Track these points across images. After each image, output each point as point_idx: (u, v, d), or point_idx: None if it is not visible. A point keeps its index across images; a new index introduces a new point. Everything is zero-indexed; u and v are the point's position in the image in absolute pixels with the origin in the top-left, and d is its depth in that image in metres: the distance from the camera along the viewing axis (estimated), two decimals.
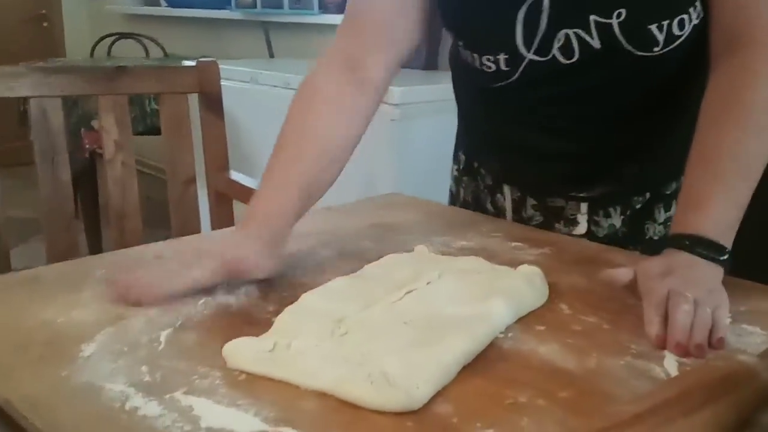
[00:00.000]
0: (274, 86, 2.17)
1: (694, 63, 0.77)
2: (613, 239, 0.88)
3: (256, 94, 2.23)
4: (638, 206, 0.88)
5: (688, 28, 0.74)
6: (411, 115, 1.89)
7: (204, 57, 2.80)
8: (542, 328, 0.61)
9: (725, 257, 0.64)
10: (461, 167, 1.00)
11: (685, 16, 0.73)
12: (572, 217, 0.89)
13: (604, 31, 0.73)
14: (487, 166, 0.95)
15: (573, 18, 0.74)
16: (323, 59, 0.82)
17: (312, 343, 0.54)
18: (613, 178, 0.86)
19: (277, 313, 0.60)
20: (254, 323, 0.61)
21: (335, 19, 2.73)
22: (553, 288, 0.68)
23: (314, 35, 2.89)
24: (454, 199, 1.02)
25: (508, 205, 0.93)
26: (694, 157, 0.70)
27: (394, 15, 0.80)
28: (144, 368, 0.53)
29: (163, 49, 3.39)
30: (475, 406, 0.49)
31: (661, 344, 0.56)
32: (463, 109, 0.97)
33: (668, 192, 0.88)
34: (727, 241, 0.64)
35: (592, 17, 0.73)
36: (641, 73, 0.78)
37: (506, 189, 0.93)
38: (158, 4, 3.73)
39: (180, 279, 0.64)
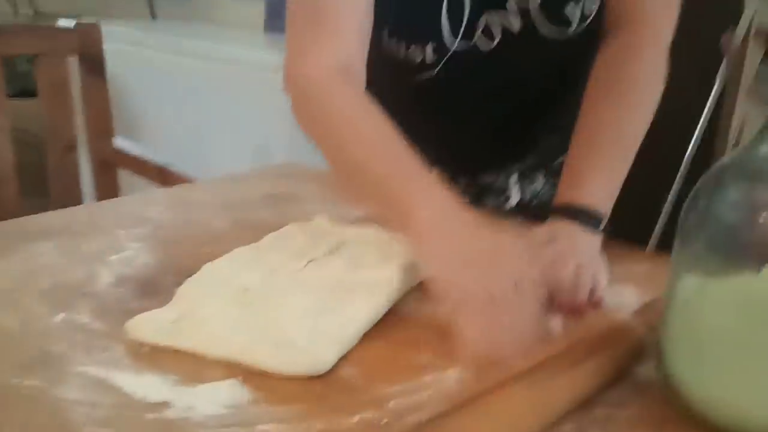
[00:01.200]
0: (160, 50, 2.09)
1: (597, 41, 0.81)
2: (537, 203, 0.93)
3: (139, 58, 2.14)
4: (555, 169, 0.92)
5: (596, 5, 0.76)
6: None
7: (79, 16, 2.65)
8: None
9: (602, 226, 0.69)
10: None
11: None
12: (503, 189, 0.93)
13: (524, 13, 0.75)
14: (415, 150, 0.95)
15: (493, 2, 0.75)
16: (321, 68, 0.70)
17: (216, 311, 0.54)
18: (538, 150, 0.91)
19: (178, 283, 0.60)
20: (154, 294, 0.60)
21: None
22: None
23: None
24: None
25: None
26: (578, 132, 0.74)
27: (363, 14, 0.73)
28: (38, 347, 0.51)
29: (34, 6, 3.16)
30: (379, 368, 0.51)
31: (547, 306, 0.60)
32: (383, 101, 0.95)
33: None
34: (605, 210, 0.69)
35: (510, 3, 0.75)
36: (558, 53, 0.80)
37: (437, 171, 0.94)
38: None
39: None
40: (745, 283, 0.43)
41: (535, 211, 0.92)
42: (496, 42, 0.78)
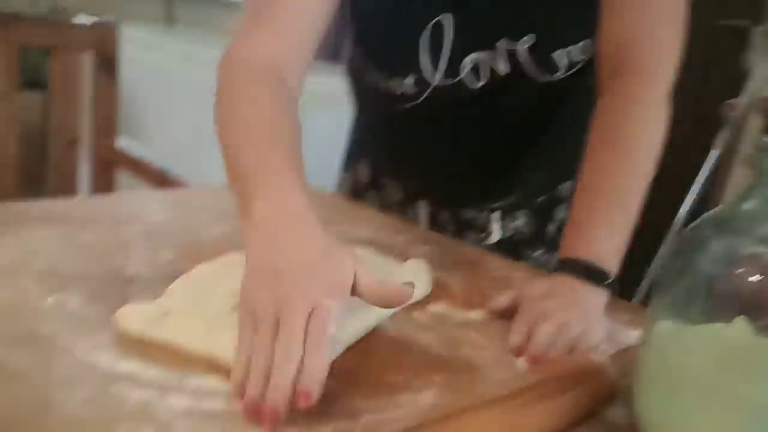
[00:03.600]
0: (173, 56, 2.13)
1: (584, 80, 0.81)
2: (518, 239, 0.93)
3: (153, 62, 2.17)
4: (538, 207, 0.94)
5: (588, 54, 0.78)
6: (311, 104, 1.90)
7: (95, 14, 2.68)
8: (424, 318, 0.65)
9: (608, 281, 0.65)
10: (367, 181, 0.99)
11: (589, 41, 0.76)
12: (485, 225, 0.93)
13: (512, 55, 0.76)
14: (402, 183, 0.97)
15: (481, 43, 0.76)
16: (244, 63, 0.69)
17: (204, 310, 0.56)
18: (521, 188, 0.91)
19: (171, 280, 0.61)
20: (146, 288, 0.61)
21: None
22: (436, 282, 0.72)
23: (219, 7, 2.83)
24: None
25: (423, 219, 0.96)
26: (581, 188, 0.72)
27: (308, 31, 0.72)
28: (27, 326, 0.52)
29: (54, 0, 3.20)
30: (357, 382, 0.52)
31: (519, 353, 0.57)
32: (367, 130, 0.97)
33: (564, 193, 0.94)
34: (612, 266, 0.66)
35: (500, 42, 0.76)
36: (544, 95, 0.81)
37: (422, 204, 0.96)
38: None
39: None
40: (718, 331, 0.44)
41: (515, 246, 0.93)
42: (483, 81, 0.79)
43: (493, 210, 0.92)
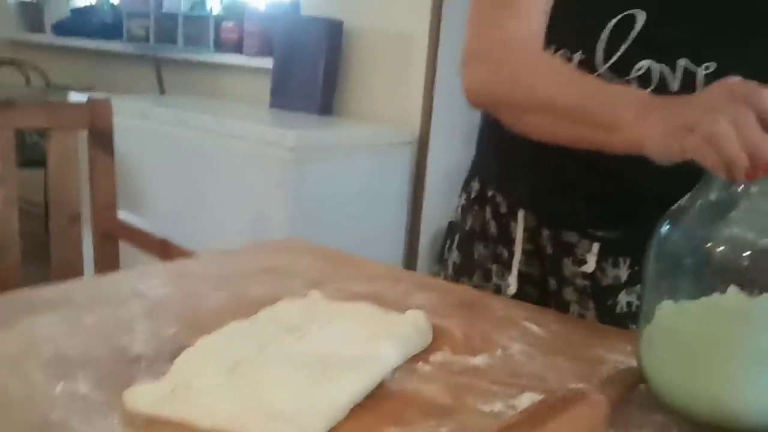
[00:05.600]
0: (166, 124, 2.16)
1: None
2: (614, 290, 0.87)
3: (145, 131, 2.21)
4: (639, 261, 0.81)
5: None
6: (305, 159, 1.94)
7: (90, 89, 2.74)
8: (427, 368, 0.66)
9: None
10: (472, 196, 0.98)
11: None
12: (581, 257, 0.87)
13: (689, 77, 0.75)
14: (506, 192, 0.93)
15: (661, 54, 0.75)
16: (503, 40, 0.79)
17: (209, 383, 0.57)
18: (632, 224, 0.81)
19: (175, 356, 0.62)
20: (152, 366, 0.62)
21: (230, 58, 2.75)
22: (437, 330, 0.73)
23: (208, 73, 2.89)
24: (455, 230, 1.00)
25: (519, 233, 0.91)
26: None
27: None
28: (39, 414, 0.53)
29: (46, 78, 3.28)
30: None
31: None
32: (498, 132, 0.89)
33: None
34: None
35: (682, 61, 0.75)
36: None
37: (521, 216, 0.90)
38: (42, 31, 3.61)
39: None
40: (716, 300, 0.55)
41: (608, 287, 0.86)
42: (649, 90, 0.76)
43: (593, 238, 0.86)
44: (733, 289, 0.53)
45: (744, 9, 0.77)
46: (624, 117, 0.65)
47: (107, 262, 1.43)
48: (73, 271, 1.39)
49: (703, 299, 0.55)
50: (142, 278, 0.85)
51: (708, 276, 0.55)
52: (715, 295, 0.54)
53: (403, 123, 2.32)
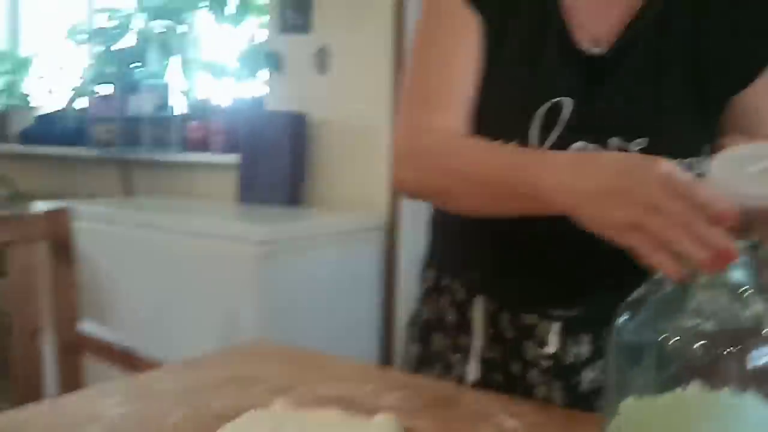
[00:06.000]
0: (132, 227, 2.14)
1: None
2: (577, 368, 0.87)
3: (112, 235, 2.18)
4: (601, 337, 0.85)
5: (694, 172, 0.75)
6: (275, 253, 1.91)
7: (57, 196, 2.72)
8: None
9: None
10: (429, 286, 0.98)
11: (699, 158, 0.76)
12: (542, 338, 0.87)
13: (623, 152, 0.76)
14: (462, 278, 0.92)
15: (593, 135, 0.78)
16: (433, 133, 0.83)
17: None
18: (592, 301, 0.83)
19: None
20: None
21: (197, 156, 2.76)
22: None
23: (176, 173, 2.90)
24: (415, 321, 1.00)
25: (478, 318, 0.90)
26: None
27: (469, 90, 0.83)
28: None
29: (13, 186, 3.25)
30: None
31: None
32: (448, 219, 0.92)
33: None
34: None
35: (614, 140, 0.77)
36: None
37: (479, 301, 0.90)
38: (7, 141, 3.61)
39: None
40: (679, 395, 0.52)
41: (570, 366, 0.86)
42: None
43: (553, 318, 0.86)
44: (696, 383, 0.51)
45: (669, 87, 0.80)
46: (548, 185, 0.67)
47: (70, 375, 1.38)
48: (35, 385, 1.33)
49: (667, 395, 0.52)
50: (100, 398, 0.81)
51: (670, 370, 0.53)
52: (679, 390, 0.52)
53: (371, 208, 2.33)
